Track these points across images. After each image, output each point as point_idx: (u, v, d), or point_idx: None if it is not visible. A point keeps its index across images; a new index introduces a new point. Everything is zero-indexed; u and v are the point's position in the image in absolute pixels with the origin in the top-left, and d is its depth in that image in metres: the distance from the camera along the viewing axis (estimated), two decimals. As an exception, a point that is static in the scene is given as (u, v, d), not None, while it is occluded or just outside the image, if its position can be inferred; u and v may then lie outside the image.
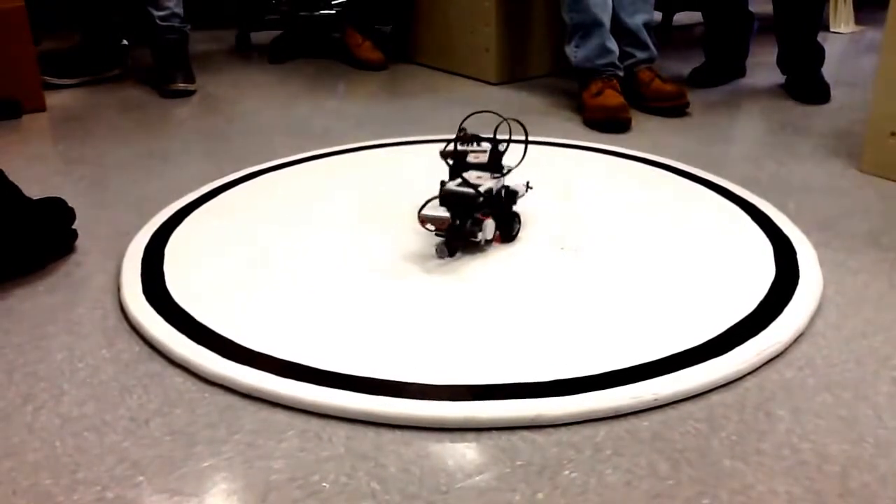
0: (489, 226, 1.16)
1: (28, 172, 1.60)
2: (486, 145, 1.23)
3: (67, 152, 1.73)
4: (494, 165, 1.21)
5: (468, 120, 1.26)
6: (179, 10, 2.24)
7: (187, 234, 1.27)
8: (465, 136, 1.23)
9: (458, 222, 1.13)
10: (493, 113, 1.27)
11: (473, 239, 1.15)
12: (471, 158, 1.22)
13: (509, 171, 1.22)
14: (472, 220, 1.14)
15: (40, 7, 2.20)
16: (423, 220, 1.15)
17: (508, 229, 1.21)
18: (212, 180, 1.51)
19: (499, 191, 1.19)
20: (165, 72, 2.22)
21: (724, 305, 1.02)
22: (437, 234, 1.17)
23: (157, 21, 2.21)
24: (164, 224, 1.30)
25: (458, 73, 2.40)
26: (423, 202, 1.15)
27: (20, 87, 1.95)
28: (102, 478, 0.75)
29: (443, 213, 1.13)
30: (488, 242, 1.19)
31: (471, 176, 1.18)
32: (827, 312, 1.03)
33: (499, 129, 1.21)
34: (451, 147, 1.23)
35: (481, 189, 1.13)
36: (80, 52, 2.32)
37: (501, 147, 1.21)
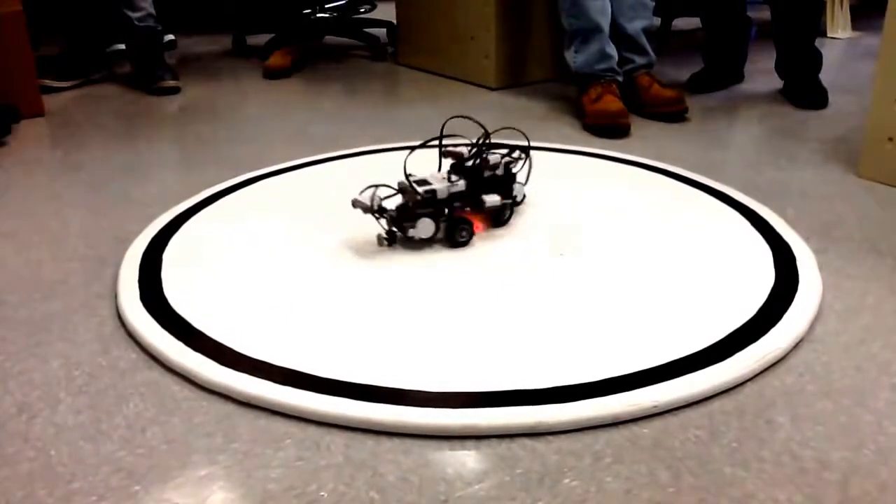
0: (424, 225, 1.19)
1: (26, 177, 1.60)
2: (497, 155, 1.27)
3: (65, 157, 1.73)
4: (468, 171, 1.24)
5: (460, 125, 1.28)
6: (153, 11, 2.28)
7: (185, 240, 1.27)
8: (482, 144, 1.25)
9: (393, 214, 1.20)
10: (471, 119, 1.30)
11: (406, 234, 1.20)
12: (468, 163, 1.24)
13: (469, 179, 1.24)
14: (411, 215, 1.19)
15: (39, 11, 2.20)
16: (353, 203, 1.21)
17: (453, 234, 1.22)
18: (210, 185, 1.51)
19: (451, 195, 1.21)
20: (150, 71, 2.26)
21: (723, 311, 1.02)
22: (389, 221, 1.22)
23: (135, 22, 2.24)
24: (162, 230, 1.30)
25: (459, 79, 2.40)
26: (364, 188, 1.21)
27: (19, 92, 1.95)
28: (98, 487, 0.74)
29: (367, 200, 1.19)
30: (425, 241, 1.22)
31: (435, 177, 1.23)
32: (826, 318, 1.03)
33: (491, 139, 1.24)
34: (458, 150, 1.27)
35: (423, 189, 1.18)
36: (67, 57, 2.33)
37: (479, 154, 1.25)
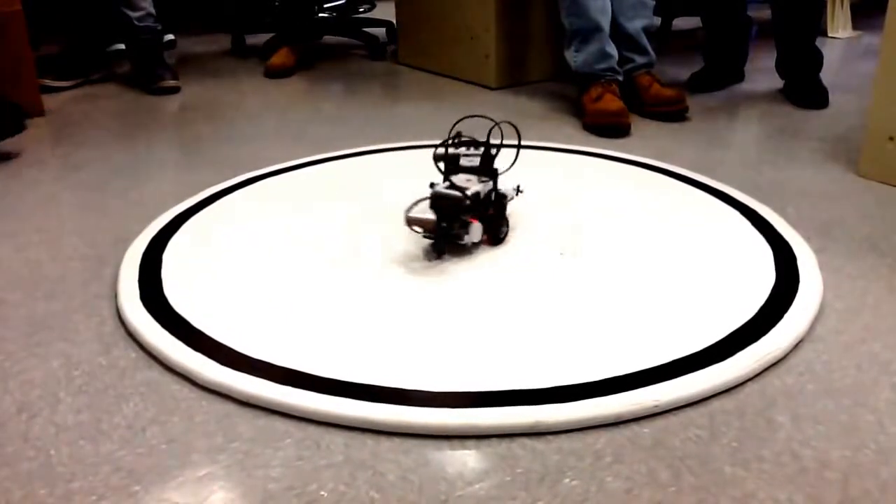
0: (476, 228, 1.16)
1: (26, 177, 1.60)
2: (480, 149, 1.23)
3: (65, 157, 1.73)
4: (485, 169, 1.21)
5: (463, 123, 1.26)
6: (153, 10, 2.28)
7: (185, 239, 1.27)
8: (458, 140, 1.23)
9: (444, 224, 1.13)
10: (486, 117, 1.27)
11: (460, 241, 1.16)
12: (464, 162, 1.22)
13: (498, 174, 1.21)
14: (460, 222, 1.14)
15: (39, 11, 2.20)
16: (410, 221, 1.15)
17: (497, 232, 1.20)
18: (210, 185, 1.50)
19: (487, 194, 1.19)
20: (150, 71, 2.26)
21: (724, 311, 1.02)
22: (424, 236, 1.17)
23: (135, 22, 2.24)
24: (163, 230, 1.30)
25: (459, 78, 2.40)
26: (409, 204, 1.16)
27: (19, 92, 1.95)
28: (98, 487, 0.74)
29: (429, 215, 1.13)
30: (476, 245, 1.19)
31: (460, 179, 1.18)
32: (827, 318, 1.03)
33: (492, 134, 1.21)
34: (443, 150, 1.24)
35: (468, 192, 1.14)
36: (67, 56, 2.33)
37: (493, 151, 1.22)
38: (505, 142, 1.21)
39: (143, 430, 0.82)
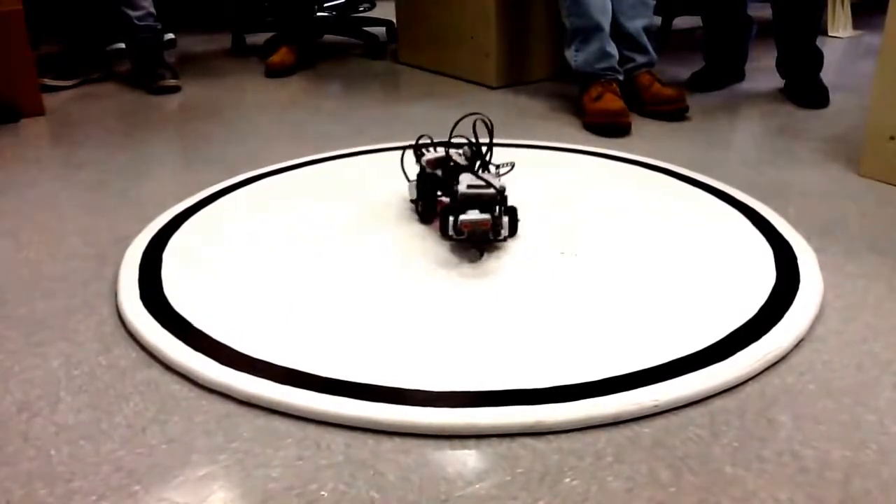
0: (506, 221, 1.16)
1: (26, 176, 1.60)
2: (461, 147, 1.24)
3: (66, 156, 1.73)
4: (483, 162, 1.21)
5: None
6: (153, 9, 2.28)
7: (185, 239, 1.27)
8: (431, 143, 1.24)
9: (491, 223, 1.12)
10: (479, 114, 1.28)
11: (499, 238, 1.15)
12: (457, 160, 1.23)
13: (512, 166, 1.21)
14: (494, 218, 1.13)
15: (39, 11, 2.21)
16: (465, 224, 1.10)
17: (514, 224, 1.21)
18: (210, 185, 1.50)
19: (503, 187, 1.19)
20: (150, 70, 2.26)
21: (724, 310, 1.02)
22: (447, 239, 1.16)
23: (135, 21, 2.25)
24: (162, 229, 1.30)
25: (459, 77, 2.40)
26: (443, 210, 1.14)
27: (19, 91, 1.95)
28: (98, 487, 0.74)
29: (479, 216, 1.10)
30: (506, 238, 1.19)
31: (467, 177, 1.18)
32: (827, 317, 1.03)
33: (479, 127, 1.21)
34: (432, 156, 1.24)
35: (497, 186, 1.13)
36: (67, 56, 2.33)
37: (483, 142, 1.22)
38: (483, 138, 1.21)
39: (143, 429, 0.82)
